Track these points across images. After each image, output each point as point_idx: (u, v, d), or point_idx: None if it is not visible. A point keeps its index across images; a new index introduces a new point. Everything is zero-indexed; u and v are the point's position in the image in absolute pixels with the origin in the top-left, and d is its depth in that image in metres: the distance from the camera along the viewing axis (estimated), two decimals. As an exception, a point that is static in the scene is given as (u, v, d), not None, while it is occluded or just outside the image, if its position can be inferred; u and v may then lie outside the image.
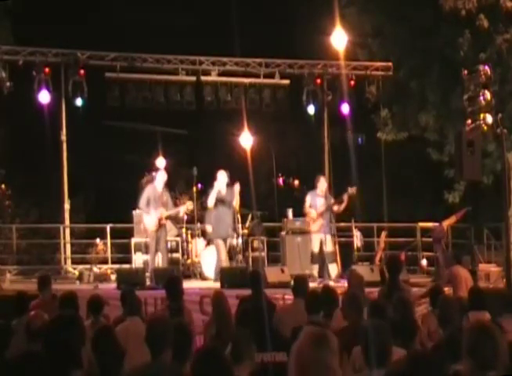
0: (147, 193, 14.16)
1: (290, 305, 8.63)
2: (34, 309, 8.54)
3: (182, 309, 8.37)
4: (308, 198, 14.30)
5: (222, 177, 14.30)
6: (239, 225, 15.26)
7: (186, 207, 14.72)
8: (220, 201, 14.27)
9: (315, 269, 14.24)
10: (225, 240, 14.35)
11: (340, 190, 14.66)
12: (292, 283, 9.16)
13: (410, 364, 3.76)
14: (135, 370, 5.10)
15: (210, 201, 14.32)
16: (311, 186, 14.59)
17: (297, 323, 7.04)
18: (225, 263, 14.15)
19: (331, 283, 12.73)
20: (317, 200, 14.15)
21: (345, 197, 14.10)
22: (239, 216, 15.25)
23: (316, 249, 14.16)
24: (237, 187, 14.31)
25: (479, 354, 4.20)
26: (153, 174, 15.33)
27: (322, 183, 14.32)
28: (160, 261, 14.18)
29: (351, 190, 14.06)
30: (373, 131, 21.13)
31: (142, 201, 14.08)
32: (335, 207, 14.14)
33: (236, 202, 14.36)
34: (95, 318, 7.90)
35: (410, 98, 19.40)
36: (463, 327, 6.79)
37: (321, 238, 14.07)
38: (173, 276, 10.27)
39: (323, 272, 14.16)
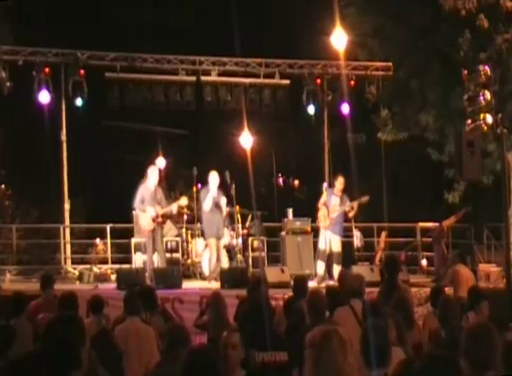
0: (140, 192, 14.19)
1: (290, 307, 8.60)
2: (34, 309, 8.55)
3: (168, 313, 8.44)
4: (325, 195, 14.48)
5: (214, 179, 14.33)
6: (239, 225, 15.29)
7: (179, 203, 14.72)
8: (212, 203, 14.32)
9: (319, 266, 14.26)
10: (217, 240, 14.39)
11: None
12: (292, 283, 9.15)
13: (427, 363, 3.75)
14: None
15: (207, 205, 14.33)
16: (315, 187, 14.71)
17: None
18: (216, 262, 14.27)
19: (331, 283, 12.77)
20: (332, 199, 14.26)
21: (355, 205, 14.20)
22: (239, 216, 15.28)
23: (323, 246, 14.19)
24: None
25: (475, 354, 4.21)
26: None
27: (340, 183, 14.39)
28: (158, 261, 14.18)
29: (364, 199, 14.17)
30: (373, 131, 21.13)
31: (137, 201, 14.12)
32: (350, 214, 14.30)
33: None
34: (96, 317, 7.91)
35: (410, 98, 19.39)
36: (462, 327, 6.80)
37: (329, 237, 14.12)
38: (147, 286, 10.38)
39: (325, 272, 14.23)
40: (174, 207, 14.51)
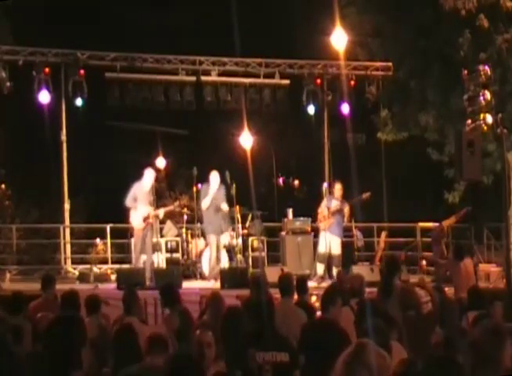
0: (134, 190, 14.02)
1: (278, 306, 8.47)
2: (34, 309, 8.54)
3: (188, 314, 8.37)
4: (325, 201, 14.56)
5: (215, 179, 14.31)
6: (239, 226, 15.28)
7: (166, 209, 14.66)
8: (212, 203, 14.30)
9: (319, 268, 14.27)
10: (217, 236, 14.37)
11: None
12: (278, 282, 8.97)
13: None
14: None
15: (205, 204, 14.32)
16: (315, 187, 14.76)
17: (286, 325, 6.99)
18: (215, 258, 14.26)
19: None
20: (333, 202, 14.33)
21: (356, 202, 14.37)
22: (238, 216, 15.27)
23: (323, 248, 14.19)
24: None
25: (489, 353, 4.18)
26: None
27: (338, 190, 14.52)
28: (148, 261, 14.07)
29: (365, 196, 14.23)
30: (373, 131, 21.13)
31: (129, 198, 13.96)
32: (346, 210, 14.32)
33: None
34: (94, 317, 7.89)
35: (410, 98, 19.39)
36: (462, 326, 6.80)
37: (329, 239, 14.13)
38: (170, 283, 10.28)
39: (324, 273, 14.24)
40: (160, 213, 14.38)
